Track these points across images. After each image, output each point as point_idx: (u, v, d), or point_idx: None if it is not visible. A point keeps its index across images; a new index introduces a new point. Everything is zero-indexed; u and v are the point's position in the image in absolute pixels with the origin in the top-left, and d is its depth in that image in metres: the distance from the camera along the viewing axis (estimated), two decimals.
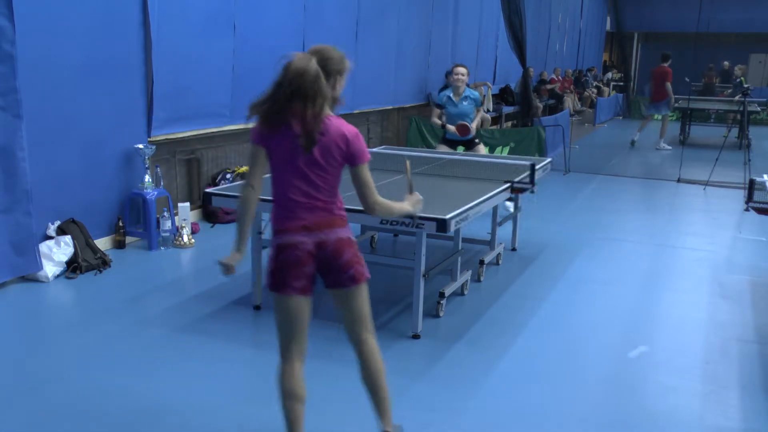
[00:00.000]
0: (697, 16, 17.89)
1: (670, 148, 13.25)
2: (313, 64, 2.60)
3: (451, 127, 7.01)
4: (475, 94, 7.15)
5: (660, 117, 13.70)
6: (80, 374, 3.72)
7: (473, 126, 6.99)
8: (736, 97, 14.58)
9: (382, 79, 10.41)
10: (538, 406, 3.53)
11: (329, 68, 2.69)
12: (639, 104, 20.51)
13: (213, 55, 6.82)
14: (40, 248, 5.14)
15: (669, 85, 13.21)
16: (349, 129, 2.72)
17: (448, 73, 11.55)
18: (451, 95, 7.00)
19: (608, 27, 27.05)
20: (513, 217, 6.31)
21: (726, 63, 23.00)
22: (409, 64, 11.23)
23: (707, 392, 3.73)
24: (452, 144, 7.18)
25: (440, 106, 7.14)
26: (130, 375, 3.73)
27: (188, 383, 3.66)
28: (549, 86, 17.57)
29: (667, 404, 3.58)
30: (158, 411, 3.36)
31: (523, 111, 11.47)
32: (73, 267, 5.30)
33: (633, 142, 13.83)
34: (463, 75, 6.91)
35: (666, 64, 13.22)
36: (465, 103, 6.97)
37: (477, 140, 7.24)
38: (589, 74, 22.70)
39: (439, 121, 7.16)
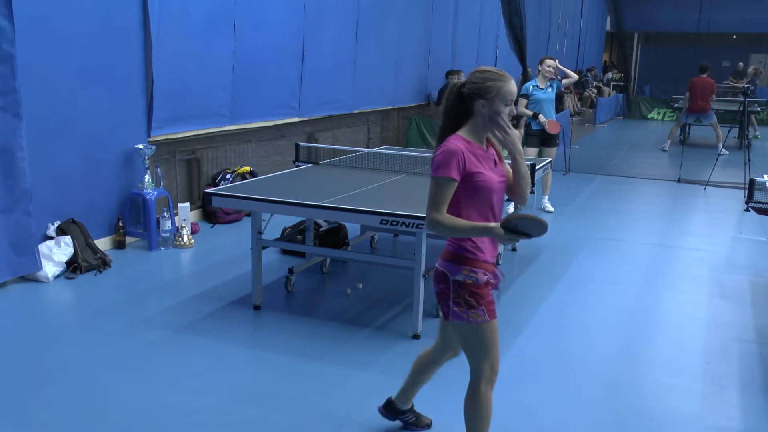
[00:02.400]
0: (697, 16, 17.91)
1: (727, 152, 12.47)
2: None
3: (543, 120, 7.48)
4: (556, 80, 7.80)
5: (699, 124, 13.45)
6: (80, 374, 3.72)
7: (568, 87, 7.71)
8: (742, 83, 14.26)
9: (382, 79, 10.41)
10: (538, 406, 3.53)
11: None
12: (639, 104, 20.52)
13: (213, 55, 6.82)
14: (40, 248, 5.14)
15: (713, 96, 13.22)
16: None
17: (449, 73, 11.57)
18: (536, 83, 7.61)
19: (608, 27, 27.05)
20: None
21: (740, 64, 22.98)
22: (409, 65, 11.24)
23: (707, 392, 3.73)
24: (538, 136, 7.62)
25: (526, 96, 7.63)
26: (130, 375, 3.73)
27: (188, 383, 3.66)
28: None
29: (667, 404, 3.58)
30: (158, 411, 3.36)
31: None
32: (73, 267, 5.30)
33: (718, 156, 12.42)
34: (553, 67, 7.65)
35: (706, 75, 12.95)
36: (550, 89, 7.66)
37: (558, 141, 7.80)
38: (589, 74, 22.70)
39: (528, 111, 7.63)
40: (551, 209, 7.88)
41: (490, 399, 2.75)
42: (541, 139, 7.67)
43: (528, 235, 2.49)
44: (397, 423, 3.31)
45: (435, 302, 4.66)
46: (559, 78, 7.87)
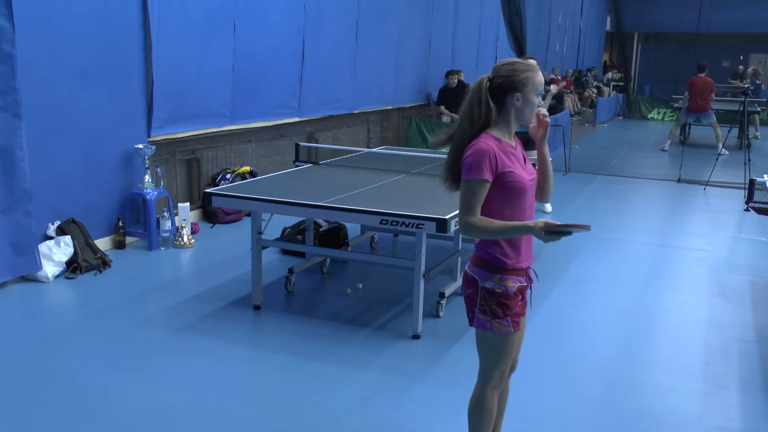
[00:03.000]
0: (697, 16, 17.92)
1: (727, 152, 12.45)
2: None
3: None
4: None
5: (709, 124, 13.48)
6: (80, 374, 3.72)
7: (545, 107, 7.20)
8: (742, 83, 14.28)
9: (382, 79, 10.41)
10: (538, 406, 3.53)
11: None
12: (639, 104, 20.53)
13: (213, 55, 6.82)
14: (40, 248, 5.14)
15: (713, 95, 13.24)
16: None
17: (449, 73, 11.56)
18: None
19: (608, 27, 27.06)
20: None
21: (740, 67, 23.01)
22: (409, 65, 11.24)
23: (707, 392, 3.73)
24: (520, 138, 7.22)
25: None
26: (130, 375, 3.73)
27: (188, 383, 3.66)
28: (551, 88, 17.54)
29: (667, 404, 3.58)
30: (158, 411, 3.36)
31: None
32: (73, 267, 5.30)
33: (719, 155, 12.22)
34: None
35: (704, 74, 12.98)
36: None
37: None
38: (589, 74, 22.70)
39: None
40: (550, 209, 7.87)
41: (495, 403, 2.73)
42: (524, 141, 7.42)
43: (569, 233, 2.38)
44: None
45: (435, 302, 4.68)
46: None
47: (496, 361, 2.64)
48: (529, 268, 2.64)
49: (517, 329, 2.59)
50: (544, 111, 2.64)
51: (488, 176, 2.45)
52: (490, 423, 2.75)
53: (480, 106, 2.52)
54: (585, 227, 2.36)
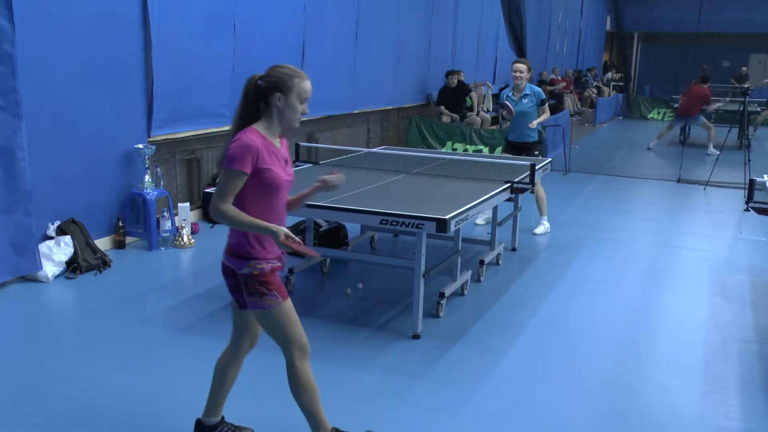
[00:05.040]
0: (697, 16, 17.90)
1: (717, 152, 12.24)
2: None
3: (503, 111, 6.70)
4: (537, 89, 6.74)
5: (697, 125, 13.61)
6: (80, 374, 3.72)
7: (537, 121, 6.63)
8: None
9: (382, 79, 10.41)
10: (538, 406, 3.53)
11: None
12: (639, 104, 20.53)
13: (213, 55, 6.82)
14: (40, 248, 5.14)
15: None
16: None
17: (449, 73, 11.57)
18: (511, 93, 6.72)
19: (608, 27, 27.07)
20: (513, 217, 6.31)
21: (744, 68, 23.00)
22: (409, 65, 11.24)
23: (707, 392, 3.73)
24: (515, 147, 6.78)
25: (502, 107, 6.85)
26: (130, 375, 3.73)
27: (188, 383, 3.66)
28: (551, 87, 17.55)
29: (667, 404, 3.58)
30: (158, 411, 3.36)
31: None
32: (73, 267, 5.30)
33: (712, 151, 12.73)
34: (522, 72, 6.63)
35: (696, 82, 13.19)
36: (525, 100, 6.64)
37: (538, 146, 6.82)
38: (589, 74, 22.70)
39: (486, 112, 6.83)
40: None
41: (309, 373, 2.86)
42: (517, 149, 6.74)
43: (300, 254, 2.61)
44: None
45: (435, 302, 4.68)
46: (483, 93, 6.93)
47: (285, 334, 2.80)
48: (279, 256, 2.83)
49: (286, 297, 2.78)
50: (334, 180, 2.93)
51: (248, 169, 2.64)
52: (314, 394, 2.89)
53: (248, 102, 2.72)
54: (315, 256, 2.67)
